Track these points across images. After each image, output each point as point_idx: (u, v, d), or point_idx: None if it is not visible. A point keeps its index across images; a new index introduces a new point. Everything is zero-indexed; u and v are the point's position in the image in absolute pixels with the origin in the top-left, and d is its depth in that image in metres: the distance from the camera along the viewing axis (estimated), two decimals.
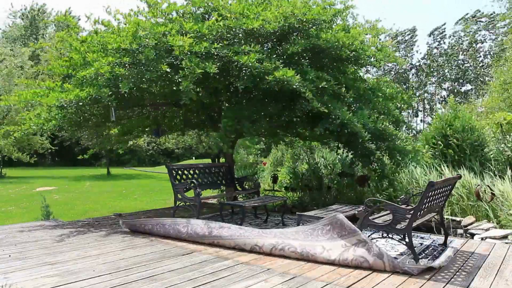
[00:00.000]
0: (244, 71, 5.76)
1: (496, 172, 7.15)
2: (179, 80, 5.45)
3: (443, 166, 7.47)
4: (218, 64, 5.53)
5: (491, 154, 8.11)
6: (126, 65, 5.62)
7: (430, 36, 41.83)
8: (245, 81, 5.80)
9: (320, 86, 5.71)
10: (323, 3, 6.36)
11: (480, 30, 38.37)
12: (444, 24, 41.69)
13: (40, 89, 6.35)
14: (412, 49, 42.77)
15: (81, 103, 5.77)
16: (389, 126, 6.06)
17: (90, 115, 6.85)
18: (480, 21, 38.32)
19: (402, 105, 7.62)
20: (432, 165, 7.71)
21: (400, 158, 6.66)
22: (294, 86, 5.43)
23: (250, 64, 5.34)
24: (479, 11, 38.70)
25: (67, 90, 5.77)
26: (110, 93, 5.62)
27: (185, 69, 5.24)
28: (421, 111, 41.46)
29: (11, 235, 5.48)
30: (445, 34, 40.92)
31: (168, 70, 5.43)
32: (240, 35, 6.14)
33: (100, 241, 5.18)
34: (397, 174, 7.19)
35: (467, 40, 38.74)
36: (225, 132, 6.04)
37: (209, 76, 6.68)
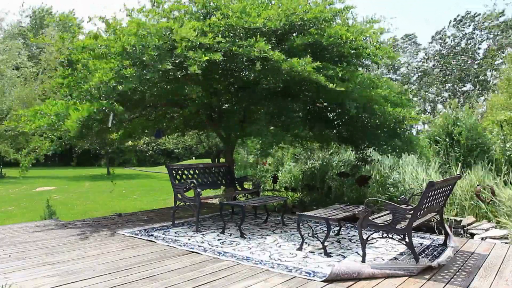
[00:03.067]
0: (250, 64, 5.76)
1: (498, 172, 7.17)
2: (185, 72, 5.41)
3: (447, 165, 7.53)
4: (222, 58, 5.54)
5: (494, 154, 8.15)
6: (127, 68, 5.61)
7: (432, 42, 42.00)
8: (255, 70, 5.77)
9: (328, 74, 5.70)
10: (323, 2, 6.36)
11: (476, 29, 38.48)
12: (444, 28, 41.72)
13: (47, 110, 6.31)
14: (417, 54, 42.85)
15: (92, 116, 5.78)
16: (395, 108, 6.07)
17: (93, 122, 6.85)
18: (473, 21, 38.47)
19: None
20: (437, 163, 7.77)
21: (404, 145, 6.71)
22: (306, 75, 5.40)
23: (258, 48, 5.31)
24: (469, 12, 38.84)
25: (79, 108, 5.77)
26: (115, 103, 5.62)
27: (192, 60, 5.26)
28: (423, 111, 41.51)
29: (11, 235, 5.48)
30: (446, 37, 41.04)
31: (170, 67, 5.42)
32: (242, 34, 6.14)
33: (100, 241, 5.18)
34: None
35: (464, 41, 38.90)
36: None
37: (211, 78, 6.68)
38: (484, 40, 37.89)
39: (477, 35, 38.77)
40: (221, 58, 5.39)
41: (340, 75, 5.92)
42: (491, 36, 36.46)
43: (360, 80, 6.24)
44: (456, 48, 39.29)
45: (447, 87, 40.28)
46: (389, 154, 7.17)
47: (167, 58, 5.52)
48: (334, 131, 7.71)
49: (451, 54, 38.93)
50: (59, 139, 6.44)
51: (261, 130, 6.08)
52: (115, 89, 5.58)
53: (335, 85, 5.51)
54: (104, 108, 5.57)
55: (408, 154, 7.31)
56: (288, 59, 5.42)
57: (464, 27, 39.46)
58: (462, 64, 37.98)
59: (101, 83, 5.50)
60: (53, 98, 6.68)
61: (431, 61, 40.66)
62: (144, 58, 5.47)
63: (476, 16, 38.38)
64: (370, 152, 8.19)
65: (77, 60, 6.32)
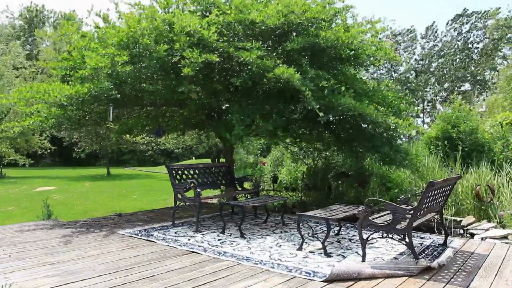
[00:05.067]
0: (244, 68, 5.76)
1: (497, 172, 7.17)
2: (180, 68, 5.43)
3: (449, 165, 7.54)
4: (219, 59, 5.54)
5: (494, 154, 8.16)
6: (125, 59, 5.64)
7: (423, 38, 41.99)
8: (244, 78, 5.78)
9: (320, 85, 5.69)
10: (323, 2, 6.36)
11: (472, 30, 38.50)
12: (434, 22, 41.80)
13: (39, 88, 6.33)
14: (414, 52, 42.86)
15: (81, 99, 5.77)
16: (390, 116, 6.00)
17: (90, 113, 6.87)
18: (470, 19, 38.47)
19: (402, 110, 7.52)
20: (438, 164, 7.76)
21: (399, 154, 6.65)
22: (295, 84, 5.40)
23: (250, 61, 5.32)
24: (467, 10, 38.79)
25: (67, 87, 5.79)
26: (111, 86, 5.62)
27: (187, 59, 5.26)
28: (422, 111, 41.54)
29: (11, 235, 5.48)
30: (438, 34, 41.07)
31: (166, 53, 5.42)
32: (240, 33, 6.14)
33: (100, 241, 5.18)
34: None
35: (461, 39, 38.90)
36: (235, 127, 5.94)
37: (210, 77, 6.68)
38: (480, 41, 37.91)
39: (473, 34, 38.71)
40: (218, 59, 5.39)
41: (334, 87, 5.90)
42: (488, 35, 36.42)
43: (356, 88, 6.24)
44: (453, 46, 39.26)
45: (445, 86, 40.29)
46: (381, 162, 7.09)
47: (163, 51, 5.53)
48: (333, 134, 7.70)
49: (446, 51, 38.92)
50: (46, 118, 6.42)
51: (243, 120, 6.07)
52: (110, 75, 5.59)
53: (322, 95, 5.53)
54: (96, 92, 5.57)
55: (397, 167, 7.18)
56: (276, 67, 5.40)
57: (461, 25, 39.41)
58: (459, 63, 37.94)
59: (96, 69, 5.51)
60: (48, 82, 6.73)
61: (427, 60, 40.63)
62: (141, 50, 5.48)
63: (472, 15, 38.26)
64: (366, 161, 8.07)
65: (75, 47, 6.34)
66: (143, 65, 5.60)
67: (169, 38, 5.65)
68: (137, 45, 5.65)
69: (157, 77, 6.18)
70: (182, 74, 5.42)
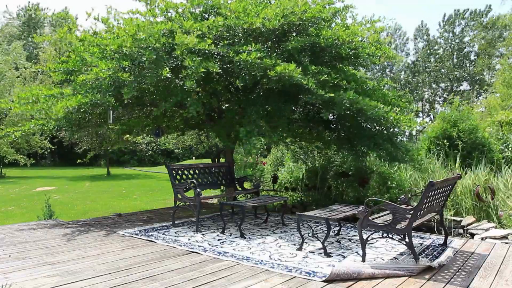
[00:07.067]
0: (245, 69, 5.76)
1: (497, 172, 7.18)
2: (181, 82, 5.41)
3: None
4: (219, 63, 5.53)
5: (493, 154, 8.16)
6: (126, 69, 5.62)
7: (416, 38, 41.99)
8: (246, 79, 5.77)
9: (322, 79, 5.68)
10: (323, 2, 6.36)
11: (466, 30, 38.55)
12: (424, 23, 41.93)
13: (40, 94, 6.29)
14: (404, 47, 42.93)
15: (82, 109, 5.76)
16: (391, 112, 6.00)
17: (90, 114, 6.87)
18: (464, 19, 38.49)
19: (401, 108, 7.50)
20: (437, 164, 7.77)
21: (401, 150, 6.66)
22: (296, 80, 5.38)
23: (250, 61, 5.32)
24: (458, 10, 38.83)
25: (68, 96, 5.78)
26: (113, 99, 5.63)
27: (188, 69, 5.25)
28: (421, 111, 41.56)
29: (11, 235, 5.48)
30: (430, 34, 41.10)
31: (169, 75, 5.42)
32: (240, 34, 6.13)
33: (100, 241, 5.18)
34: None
35: (457, 40, 38.92)
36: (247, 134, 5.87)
37: (210, 78, 6.68)
38: (477, 41, 37.93)
39: (468, 35, 38.69)
40: (218, 69, 5.39)
41: (335, 82, 5.89)
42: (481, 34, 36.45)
43: (356, 86, 6.24)
44: (447, 47, 39.27)
45: (443, 86, 40.28)
46: (382, 159, 7.10)
47: (165, 61, 5.50)
48: (333, 133, 7.69)
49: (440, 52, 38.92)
50: (49, 119, 6.43)
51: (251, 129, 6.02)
52: (112, 86, 5.58)
53: (324, 91, 5.50)
54: (97, 101, 5.56)
55: (399, 163, 7.22)
56: (276, 65, 5.37)
57: (453, 26, 39.45)
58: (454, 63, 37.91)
59: (97, 79, 5.50)
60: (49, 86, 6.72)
61: (422, 60, 40.64)
62: (143, 60, 5.46)
63: (465, 13, 38.22)
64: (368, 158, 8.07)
65: (73, 50, 6.33)
66: (146, 81, 5.59)
67: (168, 44, 5.62)
68: (138, 56, 5.63)
69: (158, 87, 6.17)
70: (184, 87, 5.42)
